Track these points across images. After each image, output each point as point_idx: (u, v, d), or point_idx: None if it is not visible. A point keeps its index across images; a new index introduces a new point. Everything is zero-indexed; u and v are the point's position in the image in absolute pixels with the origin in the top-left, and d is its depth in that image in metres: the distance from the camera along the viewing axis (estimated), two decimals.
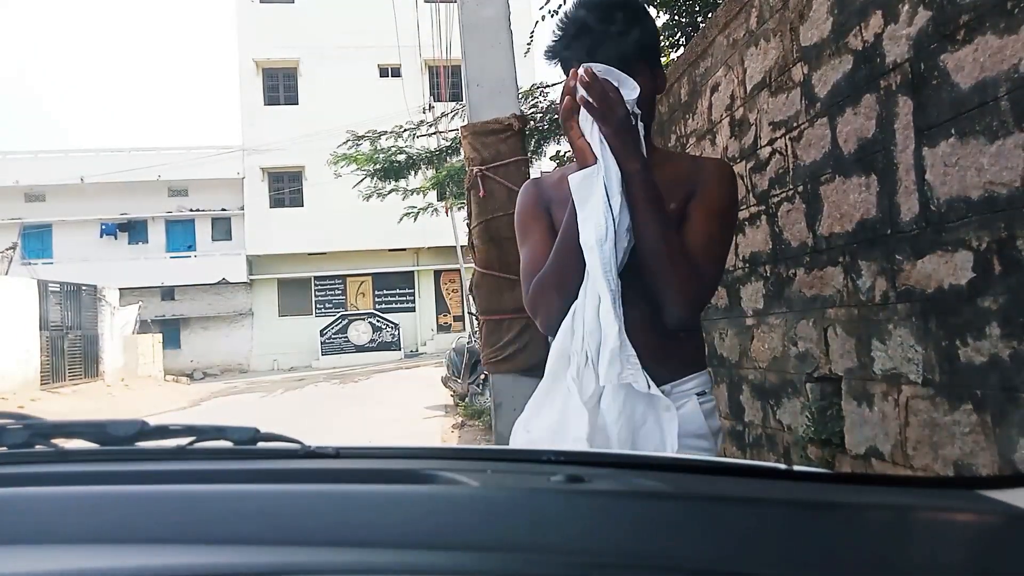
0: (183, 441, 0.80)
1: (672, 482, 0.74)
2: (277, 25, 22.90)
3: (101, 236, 23.84)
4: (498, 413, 3.65)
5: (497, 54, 3.71)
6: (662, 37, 5.35)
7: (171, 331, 22.83)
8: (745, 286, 3.00)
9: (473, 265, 3.68)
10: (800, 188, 2.41)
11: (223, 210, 24.13)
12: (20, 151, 23.91)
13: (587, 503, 0.64)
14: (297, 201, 23.32)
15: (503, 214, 3.51)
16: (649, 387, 1.25)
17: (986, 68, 1.54)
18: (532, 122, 5.70)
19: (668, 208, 1.30)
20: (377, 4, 18.67)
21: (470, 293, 4.08)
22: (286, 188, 23.40)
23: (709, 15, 4.12)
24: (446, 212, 13.30)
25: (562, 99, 1.29)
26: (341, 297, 24.37)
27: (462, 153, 4.24)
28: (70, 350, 15.81)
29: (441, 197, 10.31)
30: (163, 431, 0.81)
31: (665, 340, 1.32)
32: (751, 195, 2.83)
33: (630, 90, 1.27)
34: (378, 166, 7.46)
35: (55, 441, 0.82)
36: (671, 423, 1.26)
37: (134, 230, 24.22)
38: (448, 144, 7.57)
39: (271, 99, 23.55)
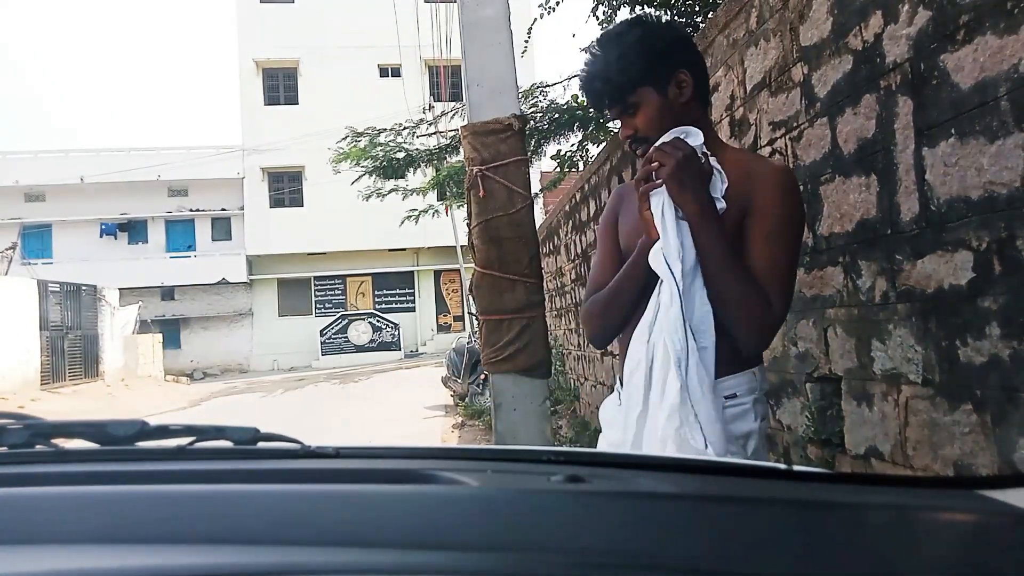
0: (183, 441, 0.80)
1: (672, 482, 0.74)
2: (277, 25, 22.90)
3: (101, 236, 23.83)
4: (498, 413, 3.65)
5: (497, 54, 3.71)
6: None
7: (171, 331, 22.83)
8: None
9: (473, 265, 3.68)
10: (800, 188, 2.41)
11: (223, 210, 24.13)
12: (20, 151, 23.91)
13: (587, 503, 0.64)
14: (297, 201, 23.32)
15: (503, 214, 3.51)
16: (706, 446, 1.24)
17: (986, 68, 1.54)
18: (532, 122, 5.69)
19: (724, 217, 1.34)
20: (377, 4, 18.68)
21: (470, 293, 4.09)
22: (286, 188, 23.39)
23: (709, 15, 4.12)
24: (446, 212, 13.29)
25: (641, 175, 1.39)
26: (341, 297, 24.37)
27: (462, 153, 4.24)
28: (70, 350, 15.81)
29: (441, 197, 10.31)
30: (163, 431, 0.81)
31: None
32: None
33: (694, 137, 1.36)
34: (377, 162, 7.46)
35: (55, 441, 0.83)
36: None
37: (134, 230, 24.22)
38: (448, 143, 7.57)
39: (271, 99, 23.55)
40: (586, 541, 0.55)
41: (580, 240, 6.66)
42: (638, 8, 5.19)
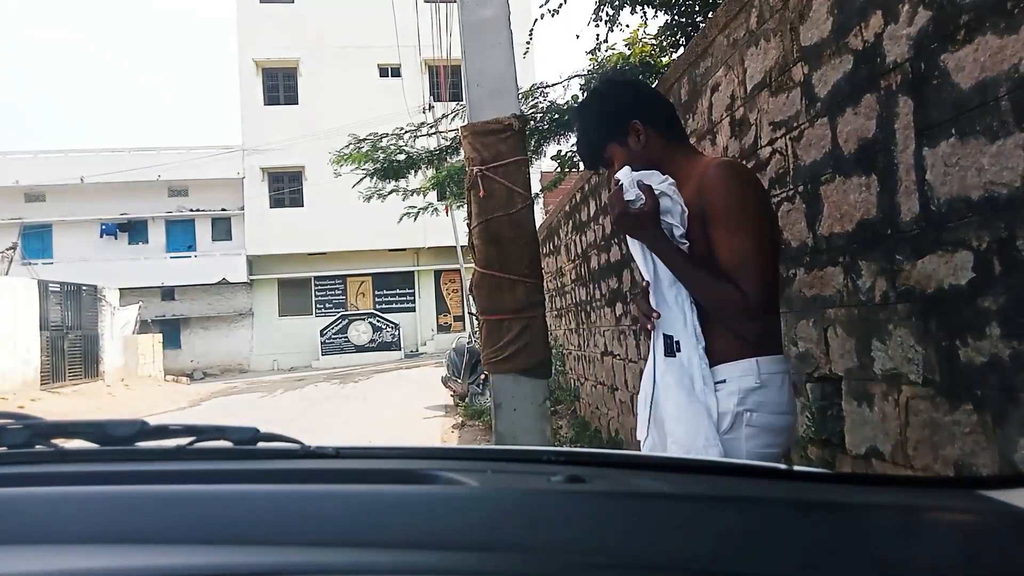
0: (183, 441, 0.80)
1: (672, 482, 0.74)
2: (277, 25, 22.89)
3: (101, 236, 23.82)
4: (498, 413, 3.65)
5: (497, 54, 3.71)
6: (662, 37, 5.35)
7: (171, 331, 22.82)
8: None
9: (473, 265, 3.68)
10: (800, 188, 2.41)
11: (223, 210, 24.12)
12: (20, 151, 23.89)
13: (587, 503, 0.64)
14: (297, 201, 23.31)
15: (503, 214, 3.51)
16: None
17: (986, 68, 1.54)
18: (532, 122, 5.69)
19: (691, 229, 1.57)
20: (377, 4, 18.66)
21: (470, 293, 4.08)
22: (286, 188, 23.38)
23: (709, 15, 4.12)
24: (446, 212, 13.27)
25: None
26: (341, 297, 24.37)
27: (462, 153, 4.24)
28: (70, 350, 15.81)
29: (441, 197, 10.30)
30: (163, 431, 0.81)
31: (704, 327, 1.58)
32: None
33: (653, 178, 1.58)
34: (378, 165, 7.46)
35: (55, 441, 0.82)
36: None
37: (134, 230, 24.21)
38: (448, 144, 7.57)
39: (271, 99, 23.54)
40: (586, 541, 0.55)
41: (580, 240, 6.65)
42: (638, 8, 5.18)
